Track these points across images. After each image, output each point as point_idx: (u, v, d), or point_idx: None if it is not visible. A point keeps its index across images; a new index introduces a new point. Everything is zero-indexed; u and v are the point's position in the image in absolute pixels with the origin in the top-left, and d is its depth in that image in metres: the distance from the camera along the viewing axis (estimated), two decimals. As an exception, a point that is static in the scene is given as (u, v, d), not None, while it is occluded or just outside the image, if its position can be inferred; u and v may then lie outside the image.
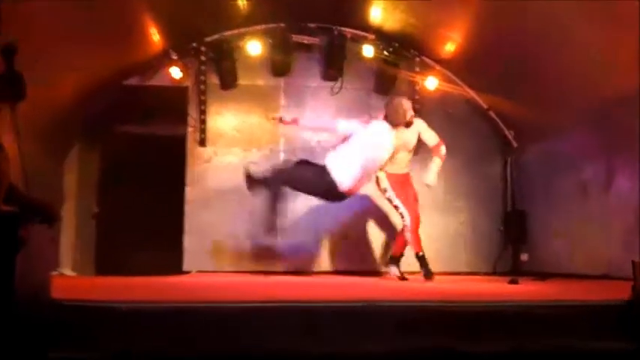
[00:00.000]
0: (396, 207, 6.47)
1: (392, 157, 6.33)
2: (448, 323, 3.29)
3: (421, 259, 6.37)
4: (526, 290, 5.03)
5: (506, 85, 7.61)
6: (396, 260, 6.76)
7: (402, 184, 6.49)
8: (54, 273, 6.21)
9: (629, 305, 3.34)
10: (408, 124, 6.31)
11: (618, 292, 3.51)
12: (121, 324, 3.18)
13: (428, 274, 6.29)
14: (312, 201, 7.71)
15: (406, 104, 6.28)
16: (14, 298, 2.20)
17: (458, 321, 3.31)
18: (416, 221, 6.37)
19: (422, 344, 3.16)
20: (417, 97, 8.28)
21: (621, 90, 6.04)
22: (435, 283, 6.00)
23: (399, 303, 3.67)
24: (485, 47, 7.29)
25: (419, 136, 6.55)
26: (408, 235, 6.36)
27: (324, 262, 8.11)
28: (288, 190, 6.21)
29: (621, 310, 3.35)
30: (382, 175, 6.51)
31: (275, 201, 6.17)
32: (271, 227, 6.78)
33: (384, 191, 6.53)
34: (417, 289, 5.16)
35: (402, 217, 6.39)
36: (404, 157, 6.54)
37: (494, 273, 8.01)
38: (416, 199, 6.51)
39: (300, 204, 7.82)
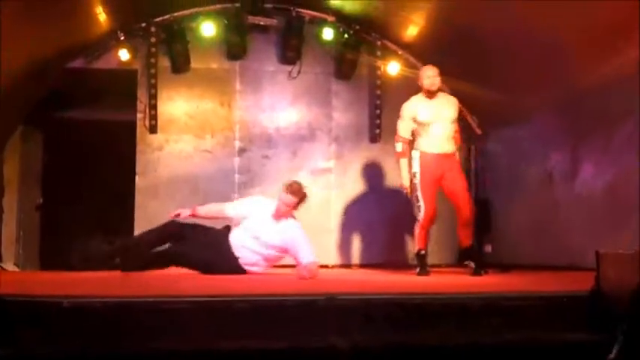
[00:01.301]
0: (416, 198, 6.11)
1: (425, 129, 6.13)
2: (410, 316, 3.30)
3: (421, 258, 6.16)
4: (490, 282, 5.09)
5: (470, 71, 7.67)
6: (418, 256, 6.25)
7: (436, 168, 6.11)
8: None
9: (592, 296, 3.40)
10: (429, 94, 6.17)
11: (582, 283, 3.56)
12: (64, 320, 3.13)
13: (422, 272, 6.06)
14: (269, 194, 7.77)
15: (427, 71, 6.23)
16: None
17: (421, 314, 3.33)
18: (429, 218, 6.09)
19: (384, 338, 3.17)
20: (378, 82, 8.31)
21: (587, 77, 6.14)
22: (398, 276, 6.03)
23: (360, 296, 3.68)
24: (448, 32, 7.33)
25: (460, 111, 6.44)
26: (417, 231, 6.15)
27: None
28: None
29: (585, 301, 3.41)
30: (416, 155, 6.18)
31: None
32: None
33: (414, 175, 6.13)
34: (381, 282, 5.19)
35: (419, 210, 6.08)
36: (440, 130, 6.16)
37: (457, 264, 8.09)
38: (463, 189, 6.19)
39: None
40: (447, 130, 6.19)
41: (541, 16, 6.00)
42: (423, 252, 6.18)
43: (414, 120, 6.16)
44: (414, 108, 6.17)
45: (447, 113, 6.20)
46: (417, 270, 6.09)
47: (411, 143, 6.24)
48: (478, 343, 3.17)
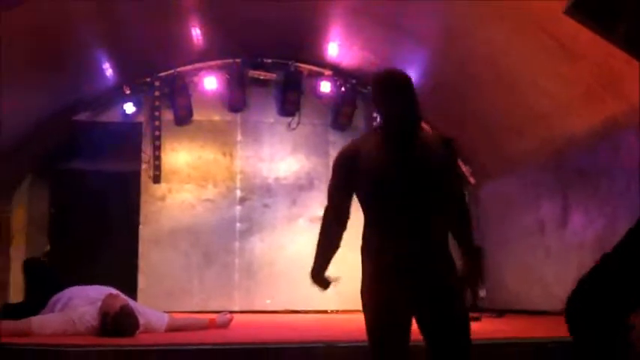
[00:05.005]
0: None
1: (379, 205, 2.84)
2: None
3: None
4: (486, 328, 5.08)
5: (463, 124, 7.78)
6: None
7: (403, 287, 2.76)
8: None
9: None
10: (393, 131, 2.89)
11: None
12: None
13: None
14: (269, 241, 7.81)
15: (387, 79, 2.99)
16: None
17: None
18: None
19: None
20: (374, 133, 8.41)
21: (574, 129, 6.23)
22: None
23: (358, 344, 3.68)
24: (441, 86, 7.44)
25: (447, 167, 2.89)
26: None
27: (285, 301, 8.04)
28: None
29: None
30: (364, 261, 2.92)
31: None
32: None
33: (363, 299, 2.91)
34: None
35: None
36: (412, 207, 2.80)
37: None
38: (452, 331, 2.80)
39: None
40: (428, 207, 2.84)
41: (530, 72, 6.13)
42: None
43: (353, 179, 2.86)
44: (356, 157, 2.86)
45: (430, 170, 2.85)
46: None
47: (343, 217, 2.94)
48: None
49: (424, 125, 3.36)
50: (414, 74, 7.62)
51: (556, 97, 6.14)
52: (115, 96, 7.88)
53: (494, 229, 8.04)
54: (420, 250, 2.80)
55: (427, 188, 2.84)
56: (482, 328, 5.17)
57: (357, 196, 2.89)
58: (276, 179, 8.38)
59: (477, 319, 5.80)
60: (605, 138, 5.80)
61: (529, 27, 5.67)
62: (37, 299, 4.97)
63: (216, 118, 8.39)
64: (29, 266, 5.77)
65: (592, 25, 4.27)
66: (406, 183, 2.81)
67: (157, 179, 8.08)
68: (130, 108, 7.87)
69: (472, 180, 8.40)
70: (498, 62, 6.46)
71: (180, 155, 8.26)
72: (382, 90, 2.97)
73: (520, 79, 6.39)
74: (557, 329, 4.60)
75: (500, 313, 6.64)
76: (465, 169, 8.34)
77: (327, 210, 2.96)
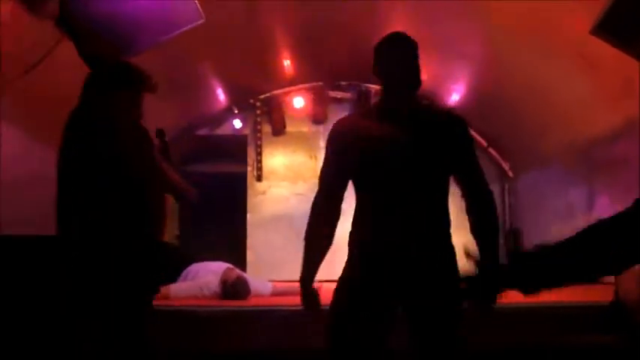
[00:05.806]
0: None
1: (369, 187, 2.31)
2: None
3: None
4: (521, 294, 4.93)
5: (502, 127, 7.57)
6: None
7: (390, 288, 2.19)
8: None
9: (612, 305, 3.26)
10: (392, 104, 2.27)
11: (603, 295, 3.43)
12: (201, 326, 3.21)
13: None
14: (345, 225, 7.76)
15: (388, 43, 2.36)
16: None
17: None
18: None
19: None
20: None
21: (597, 128, 5.96)
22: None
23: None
24: (484, 96, 7.26)
25: (454, 148, 2.27)
26: None
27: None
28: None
29: (606, 310, 3.27)
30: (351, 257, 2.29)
31: None
32: None
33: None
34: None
35: None
36: (407, 193, 2.19)
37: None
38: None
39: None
40: (422, 188, 2.19)
41: (560, 82, 5.89)
42: None
43: (345, 157, 2.35)
44: (346, 132, 2.36)
45: (430, 149, 2.20)
46: None
47: (336, 202, 2.38)
48: (517, 346, 3.08)
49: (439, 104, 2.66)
50: (462, 89, 7.53)
51: (582, 101, 5.88)
52: (227, 114, 8.05)
53: (529, 214, 7.80)
54: (410, 238, 1.92)
55: (422, 167, 2.01)
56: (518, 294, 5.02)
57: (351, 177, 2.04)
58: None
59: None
60: (624, 135, 5.51)
61: (560, 45, 5.45)
62: (171, 272, 5.15)
63: (304, 129, 8.44)
64: (164, 248, 5.96)
65: (615, 42, 4.08)
66: (398, 160, 2.01)
67: (259, 178, 8.24)
68: (238, 123, 8.03)
69: (511, 173, 8.15)
70: (532, 74, 6.24)
71: (277, 159, 8.37)
72: (380, 55, 2.15)
73: (551, 88, 6.15)
74: (582, 295, 4.42)
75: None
76: (504, 164, 8.11)
77: (314, 203, 2.08)
